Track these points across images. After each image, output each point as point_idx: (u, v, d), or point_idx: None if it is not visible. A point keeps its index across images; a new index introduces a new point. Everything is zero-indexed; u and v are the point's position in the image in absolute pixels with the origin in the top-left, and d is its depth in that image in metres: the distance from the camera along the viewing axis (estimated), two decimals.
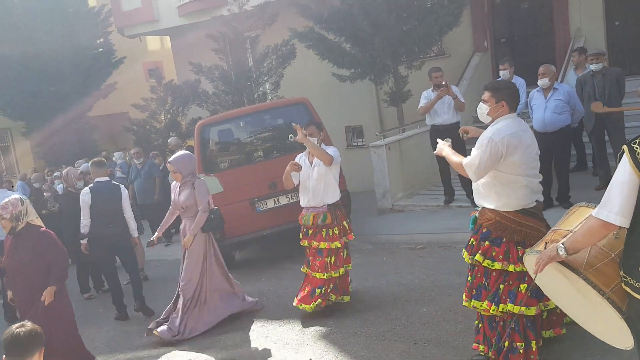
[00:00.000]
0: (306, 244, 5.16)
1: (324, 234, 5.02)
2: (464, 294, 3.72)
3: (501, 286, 3.50)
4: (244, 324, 5.36)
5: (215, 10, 12.00)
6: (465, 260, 3.72)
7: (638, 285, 2.17)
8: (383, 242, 7.21)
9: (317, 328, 4.90)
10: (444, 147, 3.75)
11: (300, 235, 5.23)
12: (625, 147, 2.17)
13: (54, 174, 9.82)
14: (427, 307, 4.89)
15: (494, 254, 3.50)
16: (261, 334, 5.05)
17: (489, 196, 3.55)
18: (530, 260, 2.81)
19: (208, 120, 7.74)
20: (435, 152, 3.89)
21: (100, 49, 15.10)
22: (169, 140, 9.85)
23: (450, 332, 4.34)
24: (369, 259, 6.69)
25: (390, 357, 4.16)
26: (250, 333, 5.13)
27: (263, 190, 6.81)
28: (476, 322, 3.78)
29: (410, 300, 5.10)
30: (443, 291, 5.15)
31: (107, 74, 14.98)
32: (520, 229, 3.46)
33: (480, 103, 3.65)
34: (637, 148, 2.13)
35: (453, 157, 3.67)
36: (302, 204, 5.18)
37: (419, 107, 7.63)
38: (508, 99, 3.53)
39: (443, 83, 7.22)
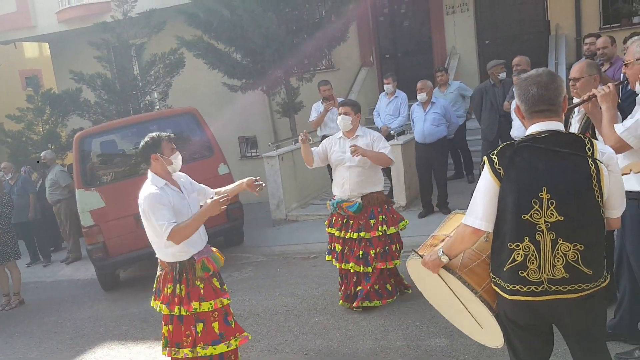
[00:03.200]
0: None
1: None
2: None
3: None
4: (129, 347, 5.09)
5: (98, 16, 11.44)
6: (377, 234, 4.81)
7: (504, 284, 2.32)
8: (277, 253, 7.20)
9: None
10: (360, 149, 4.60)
11: None
12: (485, 158, 2.33)
13: None
14: (319, 316, 4.94)
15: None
16: (149, 355, 4.82)
17: (378, 183, 4.93)
18: (413, 264, 2.90)
19: (88, 131, 7.31)
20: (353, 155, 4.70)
21: None
22: (42, 154, 9.14)
23: (340, 340, 4.41)
24: (262, 271, 6.65)
25: None
26: (138, 355, 4.88)
27: None
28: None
29: (302, 311, 5.13)
30: (335, 299, 5.22)
31: None
32: None
33: (343, 115, 4.79)
34: (495, 159, 2.29)
35: (369, 152, 4.71)
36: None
37: (310, 119, 7.81)
38: (359, 112, 4.92)
39: (330, 96, 7.48)
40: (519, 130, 5.62)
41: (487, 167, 2.31)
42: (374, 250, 4.77)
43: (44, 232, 9.21)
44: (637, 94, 3.07)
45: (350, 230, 4.84)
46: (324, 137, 7.76)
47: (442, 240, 2.71)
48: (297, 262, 6.75)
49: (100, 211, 6.49)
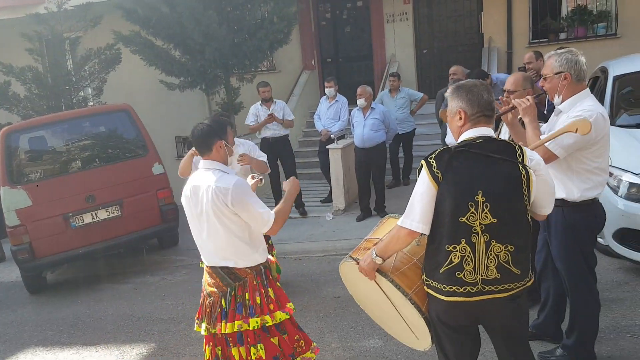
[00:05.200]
0: None
1: None
2: None
3: None
4: (54, 353, 4.87)
5: (31, 7, 10.88)
6: None
7: (440, 286, 2.38)
8: None
9: (137, 352, 4.62)
10: None
11: None
12: (423, 161, 2.39)
13: None
14: None
15: None
16: None
17: None
18: (347, 267, 2.93)
19: (16, 126, 6.95)
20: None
21: None
22: None
23: None
24: (198, 274, 6.41)
25: None
26: None
27: (79, 204, 6.27)
28: None
29: None
30: None
31: None
32: None
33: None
34: (432, 162, 2.36)
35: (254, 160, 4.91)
36: None
37: (247, 122, 7.79)
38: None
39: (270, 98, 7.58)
40: (452, 137, 5.81)
41: (425, 171, 2.37)
42: None
43: None
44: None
45: None
46: (263, 139, 7.79)
47: (375, 244, 2.75)
48: None
49: (27, 210, 6.18)
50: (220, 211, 2.88)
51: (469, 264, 2.30)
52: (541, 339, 3.69)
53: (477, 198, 2.27)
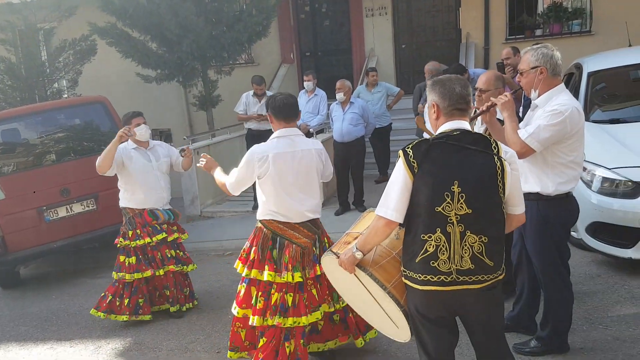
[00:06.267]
0: None
1: None
2: None
3: None
4: (28, 348, 4.79)
5: None
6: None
7: (415, 275, 2.42)
8: (190, 250, 6.90)
9: (113, 347, 4.57)
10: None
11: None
12: (400, 151, 2.43)
13: None
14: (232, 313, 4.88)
15: None
16: (49, 356, 4.56)
17: None
18: (327, 261, 2.95)
19: None
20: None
21: None
22: None
23: None
24: None
25: None
26: (38, 357, 4.60)
27: (53, 197, 6.16)
28: None
29: (215, 308, 5.05)
30: None
31: None
32: None
33: (144, 126, 4.89)
34: (410, 152, 2.39)
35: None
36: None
37: (237, 109, 7.79)
38: None
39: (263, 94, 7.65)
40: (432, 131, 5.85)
41: (401, 160, 2.40)
42: (181, 250, 5.12)
43: None
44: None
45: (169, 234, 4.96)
46: (249, 130, 7.87)
47: (356, 238, 2.77)
48: (211, 259, 6.64)
49: (0, 204, 6.06)
50: (318, 168, 3.48)
51: (443, 254, 2.34)
52: (516, 330, 3.75)
53: (453, 188, 2.31)
